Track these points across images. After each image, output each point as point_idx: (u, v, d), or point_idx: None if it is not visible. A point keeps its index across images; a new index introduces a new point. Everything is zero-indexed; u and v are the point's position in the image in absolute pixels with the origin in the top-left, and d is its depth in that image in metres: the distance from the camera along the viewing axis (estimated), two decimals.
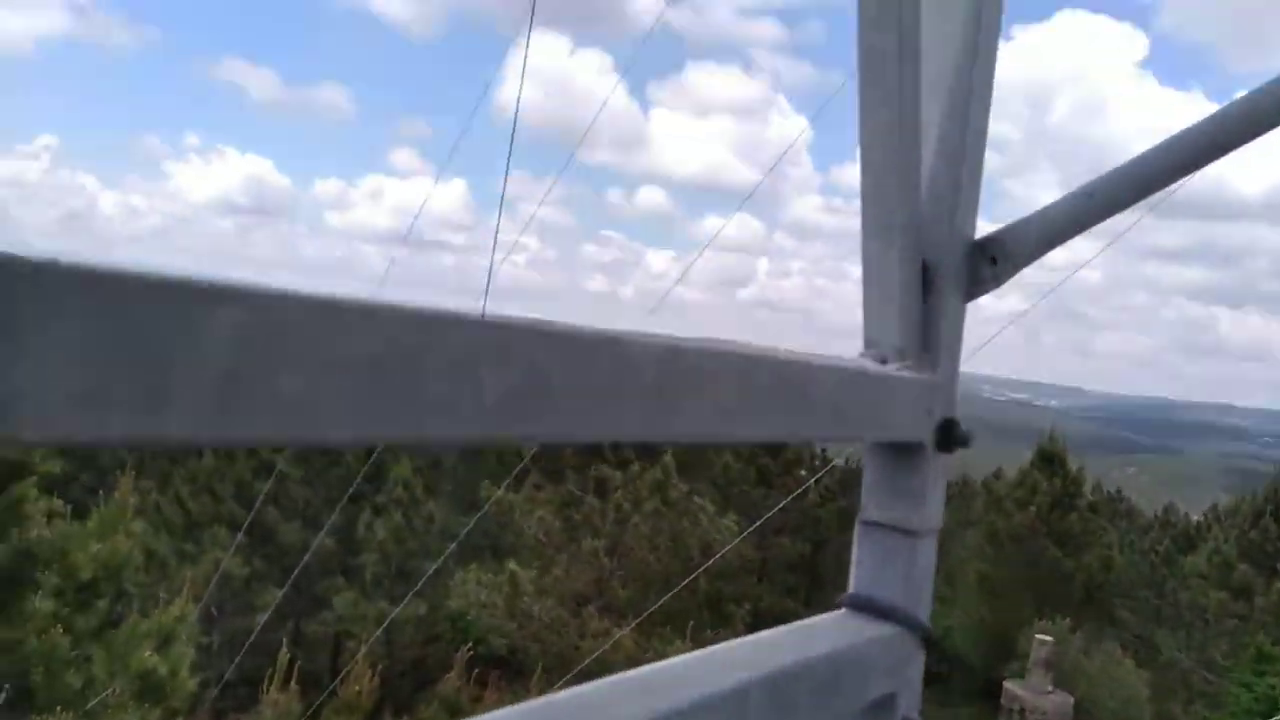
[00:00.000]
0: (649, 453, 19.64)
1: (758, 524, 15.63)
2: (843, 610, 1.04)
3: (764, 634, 0.91)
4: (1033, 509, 21.57)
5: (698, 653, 0.82)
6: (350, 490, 15.28)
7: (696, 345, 0.69)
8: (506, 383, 0.53)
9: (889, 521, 1.04)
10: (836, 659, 0.90)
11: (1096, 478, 27.08)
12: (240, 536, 15.57)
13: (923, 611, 1.05)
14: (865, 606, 1.03)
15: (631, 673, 0.74)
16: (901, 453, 1.03)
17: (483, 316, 0.52)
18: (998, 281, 1.09)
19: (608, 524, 17.45)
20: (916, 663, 1.04)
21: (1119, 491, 30.54)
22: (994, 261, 1.08)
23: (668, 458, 18.85)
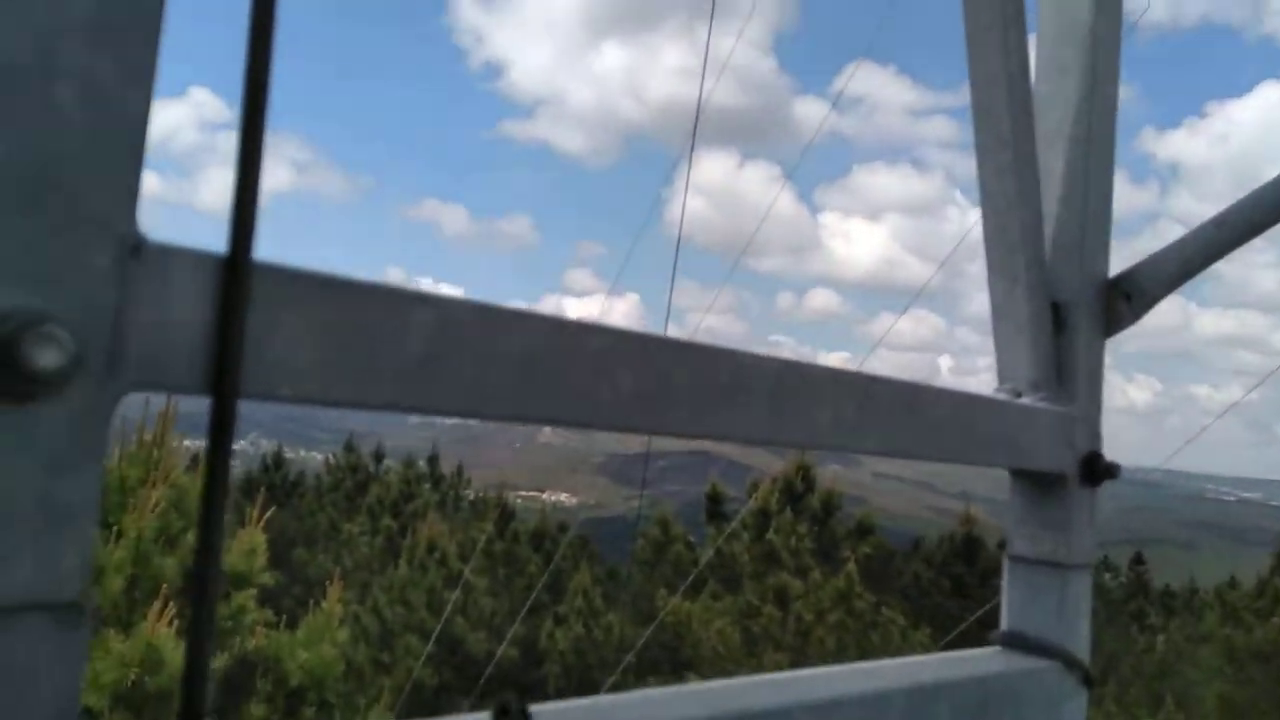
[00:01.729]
0: (830, 560, 19.00)
1: (953, 635, 14.67)
2: (997, 648, 1.04)
3: (912, 657, 0.94)
4: (1276, 620, 19.05)
5: (844, 665, 0.87)
6: (532, 600, 15.62)
7: (812, 364, 0.77)
8: (638, 381, 0.63)
9: (1037, 556, 1.05)
10: (986, 687, 0.91)
11: None
12: (431, 646, 16.16)
13: (1080, 648, 1.03)
14: (1018, 643, 1.03)
15: (776, 674, 0.80)
16: (1045, 485, 1.04)
17: (620, 328, 0.63)
18: (1135, 317, 1.10)
19: (789, 635, 16.87)
20: (1076, 702, 1.02)
21: None
22: (1129, 298, 1.09)
23: (851, 565, 18.14)
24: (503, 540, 20.60)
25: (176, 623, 7.06)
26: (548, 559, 20.10)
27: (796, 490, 20.49)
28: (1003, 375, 1.06)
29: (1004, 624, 1.05)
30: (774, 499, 20.17)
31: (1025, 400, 1.02)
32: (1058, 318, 1.06)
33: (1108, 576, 25.72)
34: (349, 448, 26.66)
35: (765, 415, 0.72)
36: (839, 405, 0.78)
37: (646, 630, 14.75)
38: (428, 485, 24.21)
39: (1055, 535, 1.04)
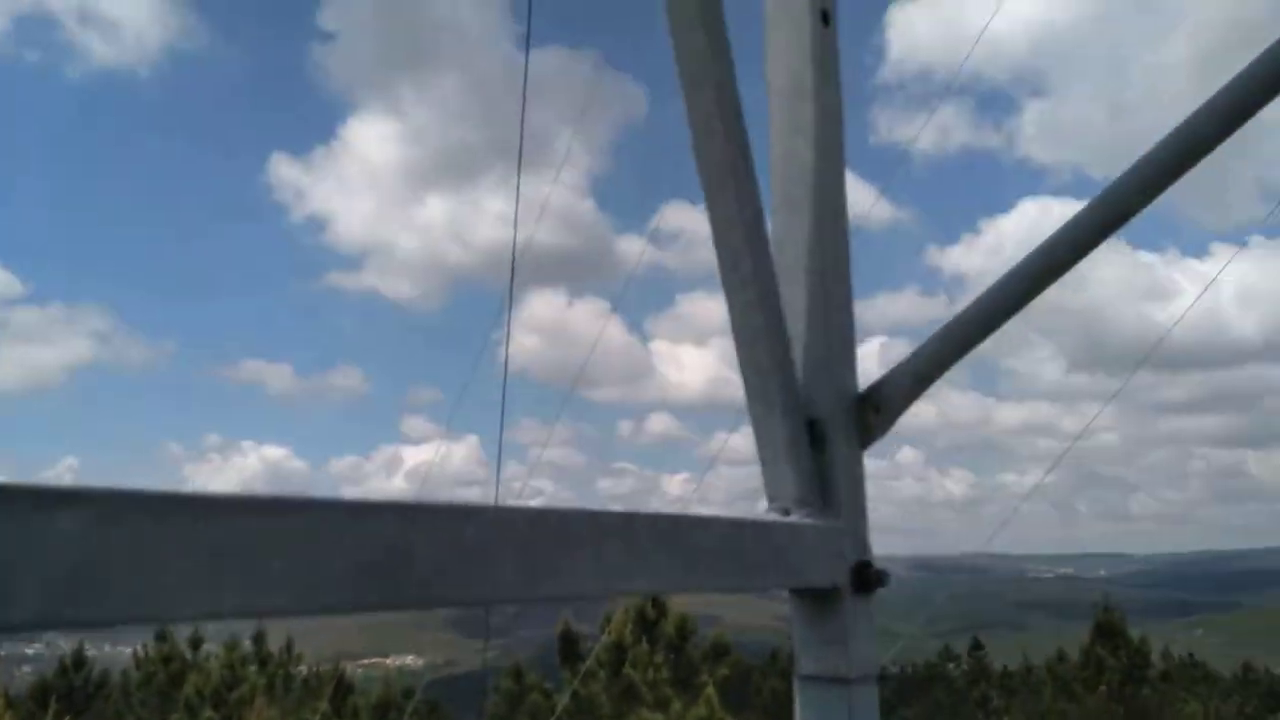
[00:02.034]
0: (689, 687, 18.65)
1: None
2: None
3: None
4: (1103, 688, 20.23)
5: None
6: None
7: (566, 509, 0.77)
8: (362, 556, 0.61)
9: (822, 673, 1.07)
10: None
11: (1163, 644, 25.60)
12: None
13: None
14: None
15: None
16: (821, 601, 1.08)
17: (338, 499, 0.61)
18: (885, 429, 1.18)
19: None
20: None
21: (1190, 656, 28.73)
22: (878, 410, 1.18)
23: (709, 690, 17.88)
24: (341, 718, 18.97)
25: None
26: None
27: (649, 619, 20.20)
28: (770, 495, 1.10)
29: None
30: (628, 631, 19.77)
31: (792, 518, 1.06)
32: (815, 435, 1.13)
33: (950, 665, 26.61)
34: (161, 636, 24.10)
35: (517, 572, 0.71)
36: (601, 548, 0.78)
37: None
38: (254, 667, 22.13)
39: (836, 650, 1.06)
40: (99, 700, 22.96)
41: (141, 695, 22.73)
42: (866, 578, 1.08)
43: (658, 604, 20.30)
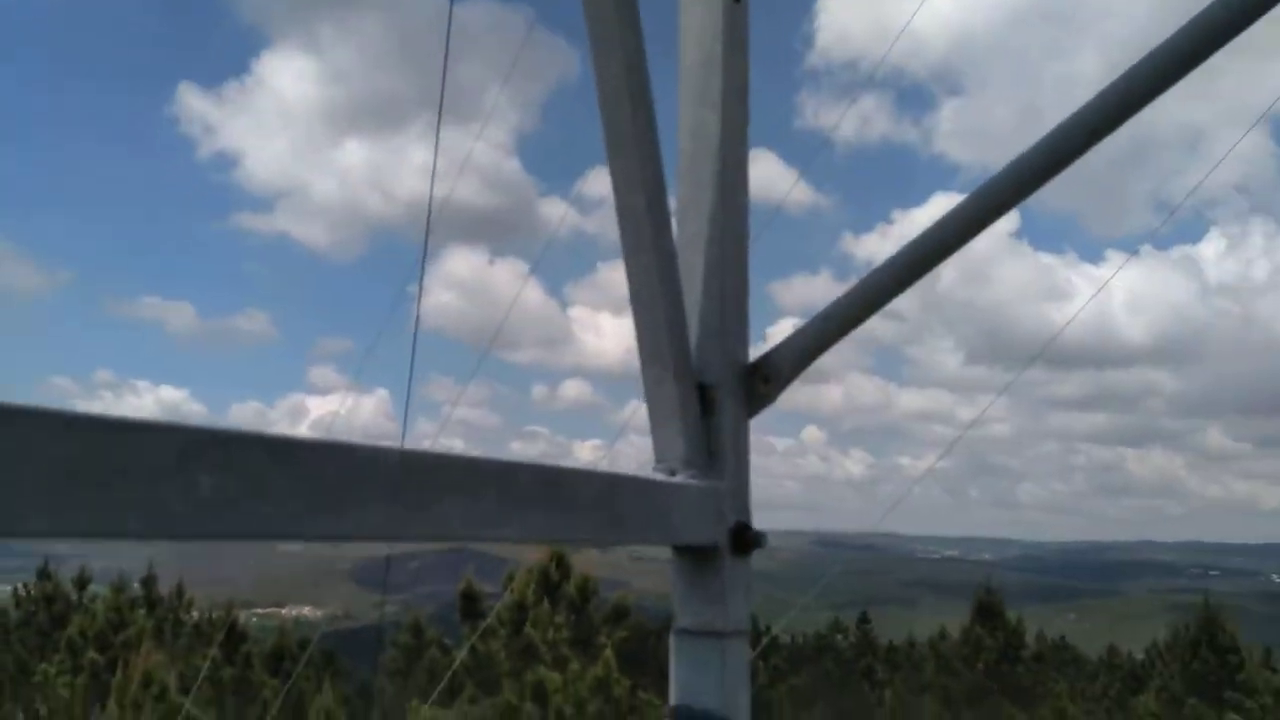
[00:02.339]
0: (589, 648, 18.90)
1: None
2: None
3: None
4: (980, 666, 21.28)
5: None
6: None
7: (441, 453, 0.78)
8: (224, 484, 0.60)
9: (698, 627, 1.11)
10: None
11: (1039, 627, 27.02)
12: None
13: (741, 714, 1.10)
14: (686, 716, 1.07)
15: None
16: (700, 558, 1.11)
17: (201, 426, 0.61)
18: (773, 397, 1.22)
19: None
20: None
21: (1062, 639, 30.41)
22: (767, 380, 1.21)
23: (608, 652, 18.16)
24: (233, 665, 18.63)
25: None
26: (286, 681, 18.39)
27: (553, 580, 20.34)
28: (658, 456, 1.13)
29: (673, 697, 1.10)
30: (530, 591, 19.88)
31: (677, 478, 1.09)
32: (705, 400, 1.16)
33: (839, 637, 27.59)
34: (44, 574, 23.19)
35: (385, 511, 0.71)
36: (475, 494, 0.79)
37: None
38: (142, 611, 21.50)
39: (713, 606, 1.10)
40: None
41: (21, 635, 21.88)
42: (745, 539, 1.12)
43: (562, 565, 20.44)
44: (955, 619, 24.55)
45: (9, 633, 22.00)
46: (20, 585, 23.95)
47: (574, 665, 18.01)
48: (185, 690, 16.38)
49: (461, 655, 17.14)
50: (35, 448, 0.51)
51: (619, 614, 21.11)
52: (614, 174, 1.10)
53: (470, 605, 20.83)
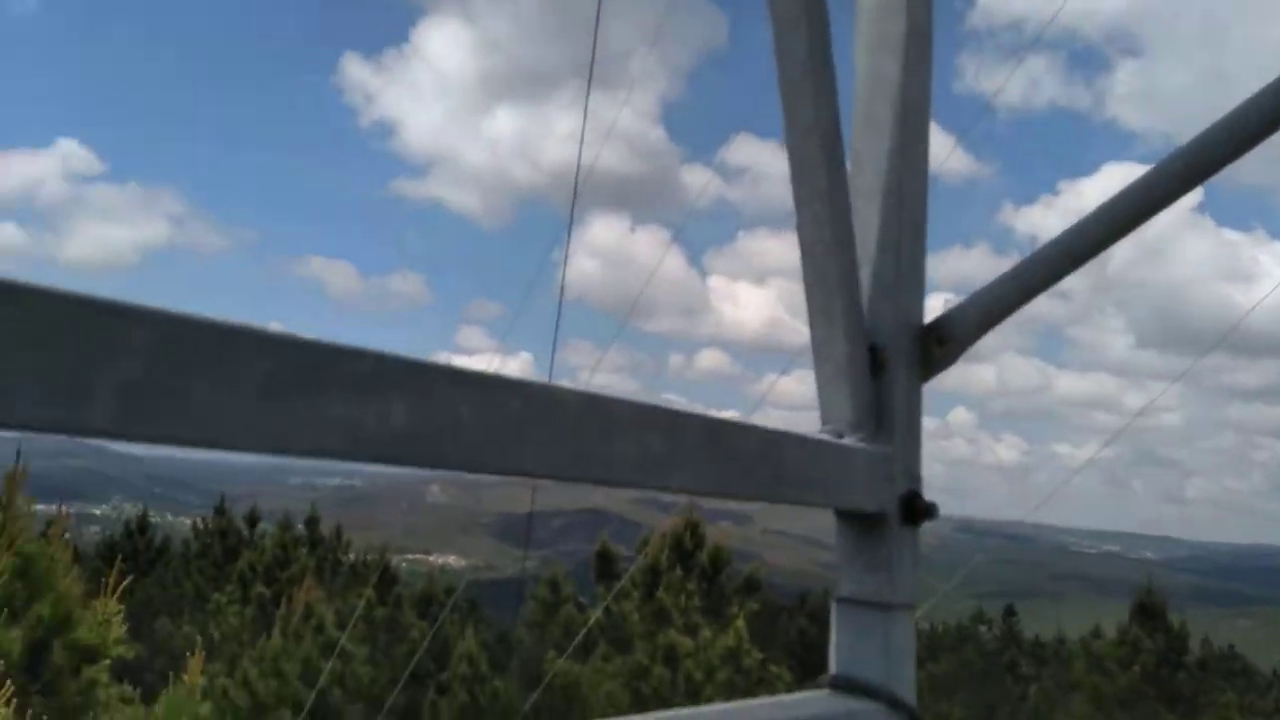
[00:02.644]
0: (719, 617, 19.00)
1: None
2: (825, 691, 1.05)
3: (736, 701, 0.93)
4: (1136, 669, 20.06)
5: (666, 711, 0.85)
6: (413, 667, 15.01)
7: (617, 397, 0.77)
8: (415, 411, 0.61)
9: (862, 596, 1.06)
10: None
11: (1205, 633, 25.20)
12: (304, 719, 15.28)
13: (905, 689, 1.05)
14: (845, 685, 1.03)
15: None
16: (867, 525, 1.06)
17: (398, 355, 0.61)
18: (949, 361, 1.15)
19: (678, 695, 16.72)
20: None
21: (1231, 647, 28.27)
22: (941, 343, 1.14)
23: (739, 622, 18.20)
24: (385, 606, 19.79)
25: (15, 701, 6.46)
26: (433, 624, 19.40)
27: (686, 548, 20.50)
28: (825, 417, 1.08)
29: (832, 666, 1.06)
30: (664, 556, 20.12)
31: (845, 440, 1.04)
32: (875, 361, 1.10)
33: (982, 629, 26.60)
34: (220, 511, 25.30)
35: (564, 450, 0.71)
36: (644, 440, 0.78)
37: (534, 695, 14.36)
38: (305, 549, 23.13)
39: (879, 576, 1.05)
40: (160, 565, 24.30)
41: (198, 565, 24.00)
42: (915, 508, 1.06)
43: (695, 534, 20.58)
44: (1109, 618, 23.22)
45: (189, 562, 24.16)
46: (199, 519, 26.26)
47: (705, 633, 18.15)
48: (341, 625, 17.55)
49: (596, 614, 17.57)
50: (240, 363, 0.53)
51: (751, 586, 21.09)
52: (787, 119, 1.05)
53: (606, 566, 21.31)
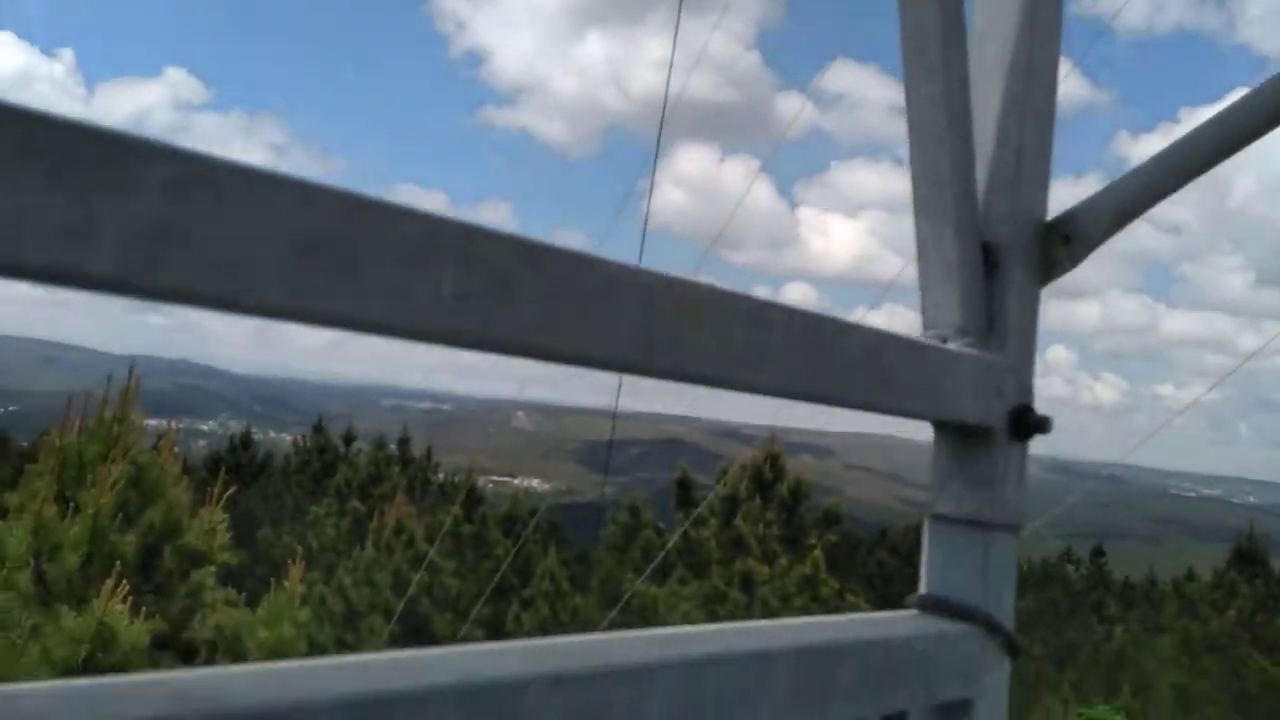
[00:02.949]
0: (796, 547, 19.05)
1: None
2: (912, 611, 0.97)
3: (815, 617, 0.86)
4: (1232, 614, 19.40)
5: (735, 623, 0.79)
6: (498, 582, 15.54)
7: (696, 282, 0.68)
8: (468, 282, 0.54)
9: (960, 515, 0.97)
10: (896, 650, 0.83)
11: None
12: (395, 626, 16.04)
13: (1004, 614, 0.96)
14: (935, 606, 0.96)
15: (649, 630, 0.72)
16: (971, 439, 0.97)
17: (449, 218, 0.54)
18: (1073, 262, 1.03)
19: (754, 620, 16.92)
20: (999, 671, 0.95)
21: None
22: (1067, 241, 1.02)
23: (817, 552, 18.21)
24: (471, 523, 20.46)
25: (131, 599, 6.89)
26: (516, 543, 19.99)
27: (765, 478, 20.50)
28: (928, 321, 0.98)
29: (922, 587, 0.98)
30: (743, 486, 20.17)
31: (951, 345, 0.94)
32: (989, 261, 0.99)
33: (1070, 568, 26.04)
34: (318, 429, 26.40)
35: (634, 337, 0.63)
36: (728, 332, 0.70)
37: (612, 612, 14.72)
38: (397, 468, 23.98)
39: (980, 493, 0.96)
40: (262, 479, 25.58)
41: (298, 479, 25.17)
42: (1026, 422, 0.96)
43: (775, 466, 20.53)
44: (1205, 563, 22.45)
45: (288, 477, 25.37)
46: (299, 437, 27.51)
47: (782, 561, 18.24)
48: (430, 540, 18.23)
49: (674, 538, 17.81)
50: (270, 213, 0.46)
51: (830, 519, 21.02)
52: None
53: (684, 493, 21.49)
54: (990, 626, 0.93)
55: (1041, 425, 0.97)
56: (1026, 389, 0.99)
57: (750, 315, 0.72)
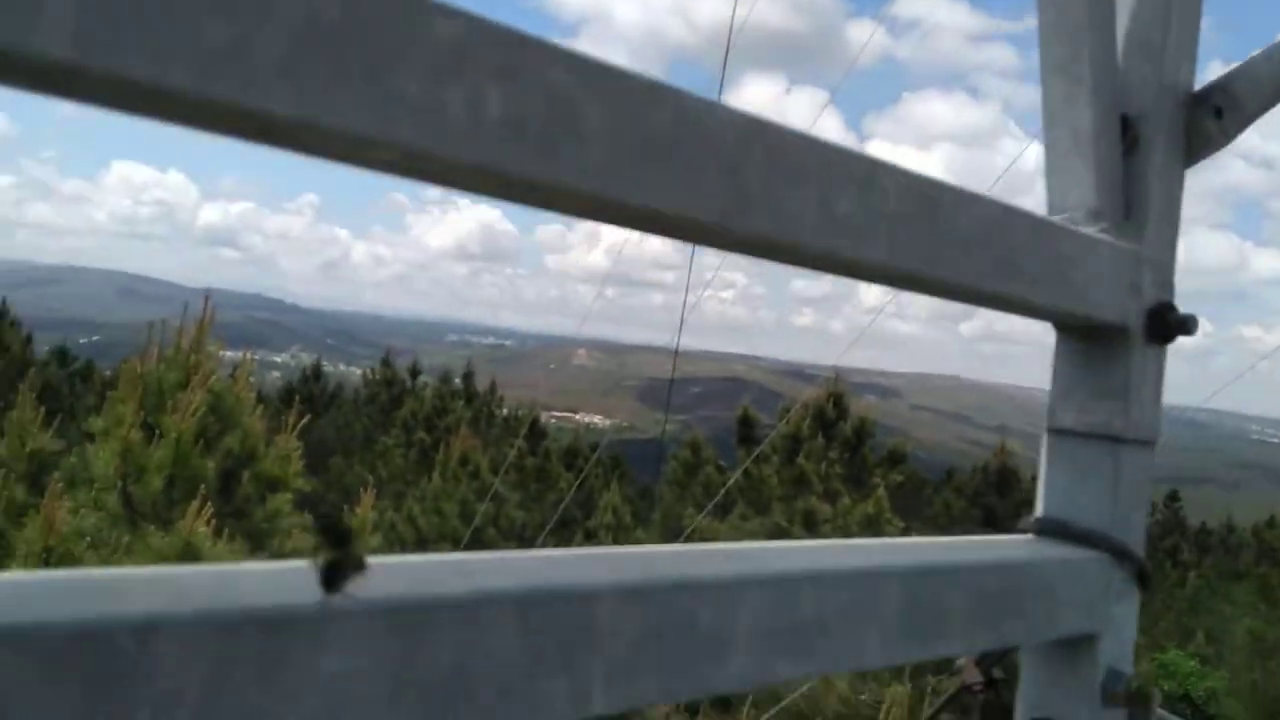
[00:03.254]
0: (860, 486, 18.90)
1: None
2: (1030, 536, 0.86)
3: (927, 538, 0.76)
4: None
5: (843, 540, 0.69)
6: (561, 513, 15.78)
7: (797, 131, 0.57)
8: (519, 103, 0.43)
9: (1087, 428, 0.85)
10: (1012, 575, 0.73)
11: None
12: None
13: (1135, 539, 0.85)
14: (1056, 530, 0.84)
15: (745, 544, 0.62)
16: (1101, 341, 0.84)
17: (495, 22, 0.44)
18: (1227, 137, 0.88)
19: None
20: (1128, 602, 0.84)
21: None
22: (1219, 114, 0.87)
23: (880, 492, 18.04)
24: (534, 456, 20.75)
25: (214, 522, 7.17)
26: (579, 476, 20.27)
27: (829, 417, 20.28)
28: (1054, 201, 0.85)
29: (1040, 509, 0.87)
30: (805, 425, 20.01)
31: (1081, 230, 0.81)
32: (1128, 134, 0.85)
33: None
34: (386, 363, 26.97)
35: (718, 189, 0.52)
36: (830, 192, 0.58)
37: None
38: (461, 402, 24.39)
39: (1111, 404, 0.84)
40: (333, 409, 26.30)
41: (368, 411, 25.82)
42: (1167, 322, 0.83)
43: (839, 405, 20.28)
44: None
45: (358, 408, 26.07)
46: (368, 370, 28.20)
47: (845, 500, 18.11)
48: (495, 471, 18.56)
49: (736, 475, 17.81)
50: (276, 6, 0.36)
51: (895, 459, 20.75)
52: None
53: (746, 430, 21.42)
54: (1119, 553, 0.82)
55: (1185, 326, 0.84)
56: (1167, 284, 0.86)
57: (860, 174, 0.60)
